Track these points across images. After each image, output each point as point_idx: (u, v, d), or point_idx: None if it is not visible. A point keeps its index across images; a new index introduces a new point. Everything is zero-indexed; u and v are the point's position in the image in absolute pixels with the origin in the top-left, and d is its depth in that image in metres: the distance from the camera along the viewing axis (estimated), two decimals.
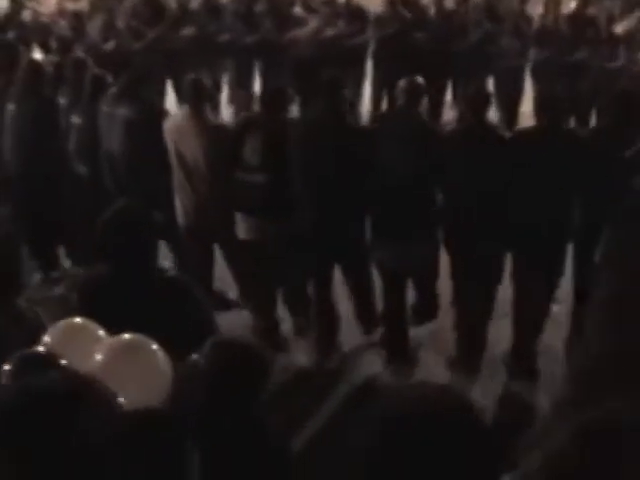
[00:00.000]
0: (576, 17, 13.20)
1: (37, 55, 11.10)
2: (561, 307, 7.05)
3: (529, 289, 6.73)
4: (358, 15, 13.02)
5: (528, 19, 13.36)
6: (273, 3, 13.35)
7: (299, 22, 12.98)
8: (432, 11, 13.53)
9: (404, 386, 3.69)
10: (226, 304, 7.55)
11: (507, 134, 7.08)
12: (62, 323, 3.33)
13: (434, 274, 7.01)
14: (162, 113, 7.61)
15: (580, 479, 1.71)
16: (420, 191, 6.58)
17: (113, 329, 3.26)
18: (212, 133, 7.01)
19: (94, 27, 12.59)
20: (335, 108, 6.65)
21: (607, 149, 6.49)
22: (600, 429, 1.72)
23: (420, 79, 6.81)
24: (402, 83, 6.73)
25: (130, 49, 12.12)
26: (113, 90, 7.71)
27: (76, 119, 7.94)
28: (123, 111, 7.41)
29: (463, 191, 6.52)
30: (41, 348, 3.11)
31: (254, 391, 3.34)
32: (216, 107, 13.12)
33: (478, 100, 6.68)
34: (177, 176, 7.22)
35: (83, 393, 2.14)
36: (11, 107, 8.05)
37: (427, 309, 7.26)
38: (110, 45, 12.08)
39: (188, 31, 12.96)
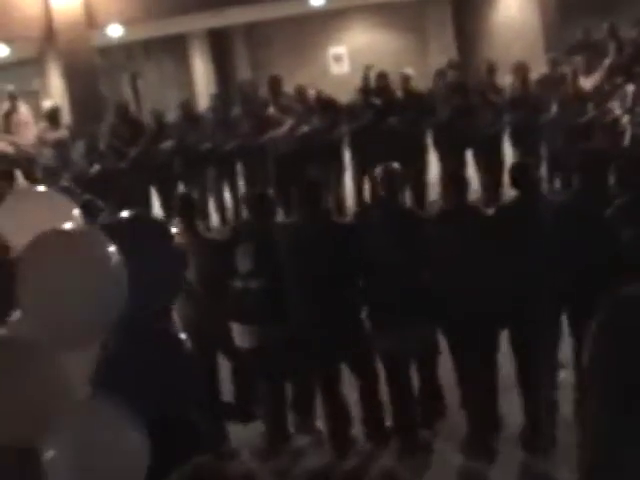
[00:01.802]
0: (545, 80, 13.79)
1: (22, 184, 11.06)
2: (567, 372, 6.85)
3: (528, 359, 6.73)
4: (330, 108, 13.37)
5: (498, 89, 13.81)
6: (247, 107, 13.70)
7: (274, 122, 13.25)
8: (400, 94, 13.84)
9: None
10: (243, 415, 7.45)
11: (489, 211, 7.21)
12: None
13: (435, 356, 6.98)
14: None
15: None
16: (410, 277, 6.65)
17: None
18: (204, 247, 7.03)
19: (77, 153, 12.78)
20: (318, 208, 6.84)
21: (587, 211, 6.60)
22: None
23: (396, 165, 6.95)
24: (378, 172, 6.88)
25: (116, 169, 12.35)
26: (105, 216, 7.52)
27: None
28: None
29: (452, 271, 6.56)
30: None
31: None
32: (206, 217, 13.39)
33: (455, 182, 6.89)
34: None
35: None
36: None
37: (434, 404, 7.14)
38: (95, 168, 12.26)
39: (168, 144, 13.21)
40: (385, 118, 13.02)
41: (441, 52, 21.14)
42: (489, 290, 6.52)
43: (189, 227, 7.11)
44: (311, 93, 14.00)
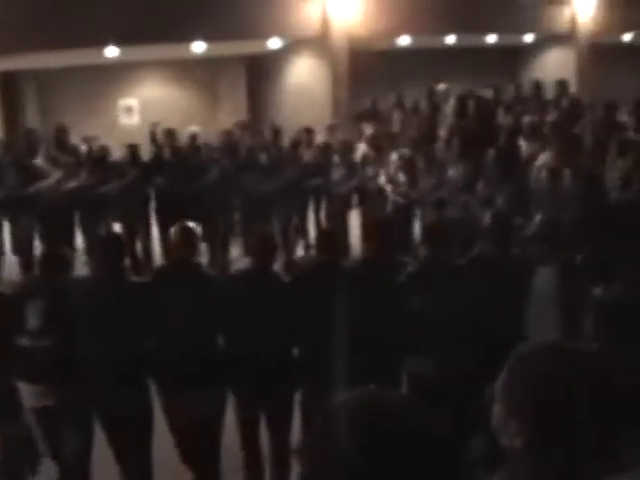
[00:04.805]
0: (327, 146, 14.15)
1: None
2: None
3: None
4: (99, 164, 13.28)
5: (280, 149, 14.13)
6: (14, 156, 13.39)
7: (41, 174, 12.97)
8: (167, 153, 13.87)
9: None
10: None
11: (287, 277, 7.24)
12: None
13: (221, 424, 6.94)
14: None
15: None
16: (205, 339, 6.68)
17: None
18: None
19: None
20: (114, 265, 6.70)
21: (380, 276, 6.84)
22: None
23: (193, 224, 6.93)
24: (175, 231, 6.78)
25: None
26: None
27: None
28: None
29: (247, 335, 6.63)
30: None
31: None
32: None
33: (261, 245, 6.87)
34: None
35: None
36: None
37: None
38: None
39: None
40: (151, 176, 13.04)
41: (232, 112, 21.44)
42: (281, 354, 6.67)
43: None
44: (83, 147, 13.79)
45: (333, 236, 7.30)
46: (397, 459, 1.75)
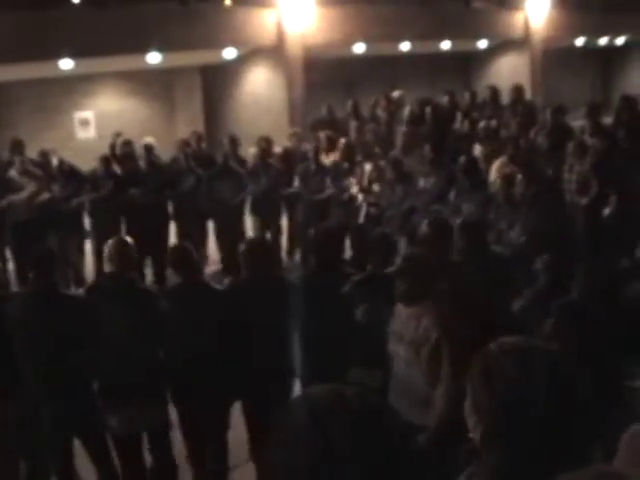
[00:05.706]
0: (288, 154, 14.14)
1: None
2: None
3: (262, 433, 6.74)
4: (71, 177, 13.21)
5: (241, 161, 14.06)
6: None
7: (15, 187, 12.87)
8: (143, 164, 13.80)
9: None
10: None
11: (220, 287, 7.27)
12: None
13: (167, 434, 6.94)
14: None
15: None
16: (143, 352, 6.62)
17: None
18: None
19: None
20: (48, 281, 6.62)
21: (326, 285, 6.82)
22: None
23: (128, 238, 6.93)
24: (110, 244, 6.78)
25: None
26: None
27: None
28: None
29: (185, 346, 6.66)
30: None
31: None
32: None
33: (178, 258, 6.93)
34: None
35: None
36: None
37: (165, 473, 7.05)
38: None
39: None
40: (126, 188, 12.94)
41: (189, 122, 21.43)
42: (219, 365, 6.61)
43: None
44: (54, 160, 13.72)
45: (262, 247, 7.29)
46: (358, 452, 1.78)
